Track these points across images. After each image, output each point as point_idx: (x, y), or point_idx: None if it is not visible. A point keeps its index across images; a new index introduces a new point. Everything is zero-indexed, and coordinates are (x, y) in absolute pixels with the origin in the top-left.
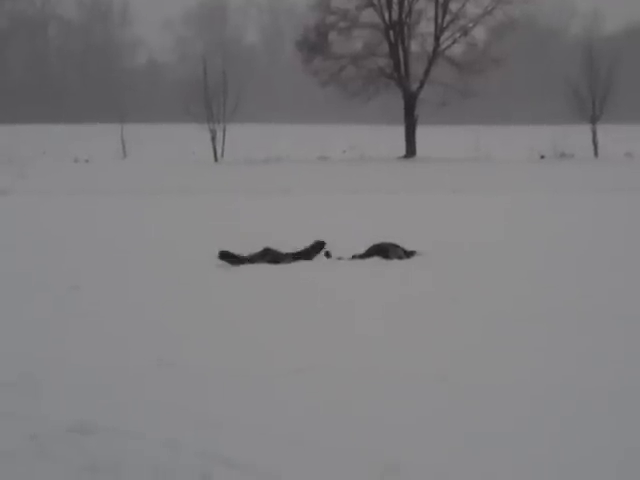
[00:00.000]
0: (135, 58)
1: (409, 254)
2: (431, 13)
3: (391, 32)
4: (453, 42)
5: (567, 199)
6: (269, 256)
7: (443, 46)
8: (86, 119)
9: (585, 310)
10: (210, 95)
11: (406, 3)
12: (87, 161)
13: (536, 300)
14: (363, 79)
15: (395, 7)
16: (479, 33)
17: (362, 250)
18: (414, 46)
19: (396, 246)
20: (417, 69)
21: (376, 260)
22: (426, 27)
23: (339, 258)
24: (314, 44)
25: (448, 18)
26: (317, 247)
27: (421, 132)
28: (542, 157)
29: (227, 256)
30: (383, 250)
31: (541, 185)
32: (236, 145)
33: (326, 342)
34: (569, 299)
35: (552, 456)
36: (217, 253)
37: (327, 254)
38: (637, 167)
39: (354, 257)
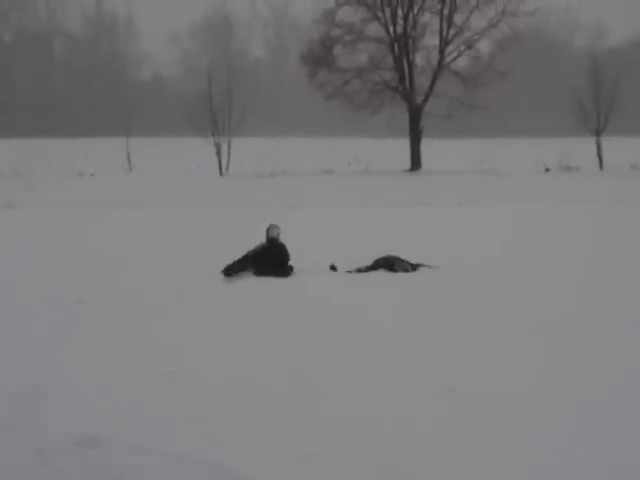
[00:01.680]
0: (140, 72)
1: (415, 267)
2: (436, 26)
3: (396, 45)
4: (458, 55)
5: (573, 212)
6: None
7: (448, 59)
8: (91, 133)
9: (593, 321)
10: (215, 109)
11: (411, 16)
12: (92, 175)
13: (541, 311)
14: (368, 92)
15: (400, 20)
16: (484, 46)
17: (368, 263)
18: (419, 59)
19: (402, 259)
20: (422, 82)
21: (382, 273)
22: (431, 40)
23: (347, 271)
24: (319, 57)
25: (453, 31)
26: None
27: (426, 145)
28: (547, 170)
29: (230, 269)
30: (389, 263)
31: (547, 198)
32: (241, 158)
33: (331, 353)
34: (576, 310)
35: (560, 465)
36: (221, 272)
37: (333, 267)
38: None
39: (360, 270)
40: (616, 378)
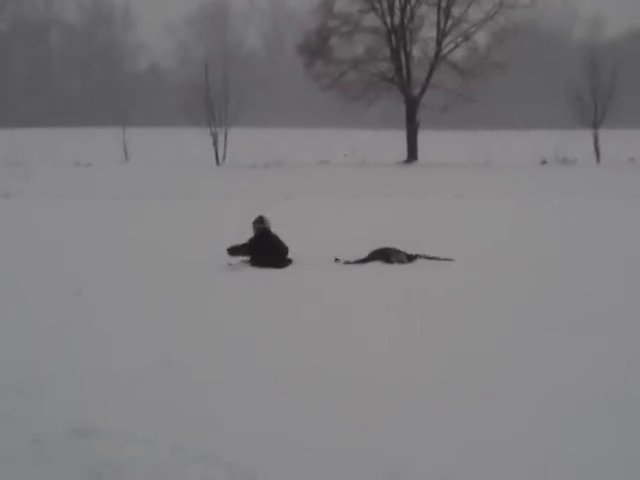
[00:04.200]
0: (137, 62)
1: (411, 259)
2: (433, 18)
3: (393, 37)
4: (455, 47)
5: (569, 204)
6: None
7: (445, 51)
8: (88, 123)
9: (589, 315)
10: (211, 99)
11: (408, 8)
12: (89, 165)
13: (540, 302)
14: (365, 84)
15: (397, 12)
16: (481, 38)
17: (364, 254)
18: (416, 51)
19: (398, 251)
20: (419, 74)
21: (378, 265)
22: (428, 32)
23: (345, 262)
24: (316, 48)
25: (450, 23)
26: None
27: (423, 137)
28: (544, 162)
29: (235, 250)
30: (385, 254)
31: (543, 190)
32: (237, 149)
33: (326, 345)
34: (571, 304)
35: (555, 460)
36: (226, 249)
37: (337, 260)
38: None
39: (356, 261)
40: (617, 373)
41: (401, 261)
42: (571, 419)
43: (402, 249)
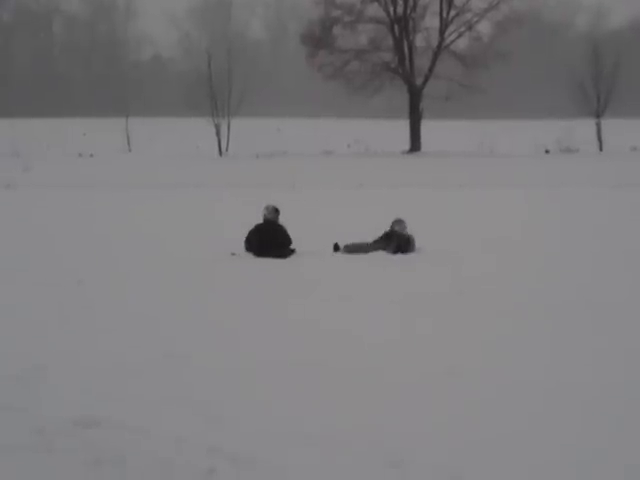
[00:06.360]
0: (140, 53)
1: (413, 248)
2: (436, 7)
3: (396, 26)
4: (458, 36)
5: (572, 194)
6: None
7: (448, 40)
8: (91, 113)
9: (594, 305)
10: (215, 89)
11: None
12: (92, 155)
13: (543, 294)
14: (368, 74)
15: (400, 1)
16: (484, 27)
17: (367, 244)
18: (419, 41)
19: (402, 240)
20: (422, 64)
21: (381, 254)
22: (431, 21)
23: (344, 247)
24: (319, 38)
25: (453, 12)
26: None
27: (426, 127)
28: (547, 152)
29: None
30: (389, 244)
31: (546, 180)
32: (241, 139)
33: (328, 337)
34: (577, 294)
35: (561, 452)
36: (245, 251)
37: (336, 247)
38: None
39: (359, 252)
40: (620, 370)
41: (404, 251)
42: (572, 416)
43: (405, 239)
